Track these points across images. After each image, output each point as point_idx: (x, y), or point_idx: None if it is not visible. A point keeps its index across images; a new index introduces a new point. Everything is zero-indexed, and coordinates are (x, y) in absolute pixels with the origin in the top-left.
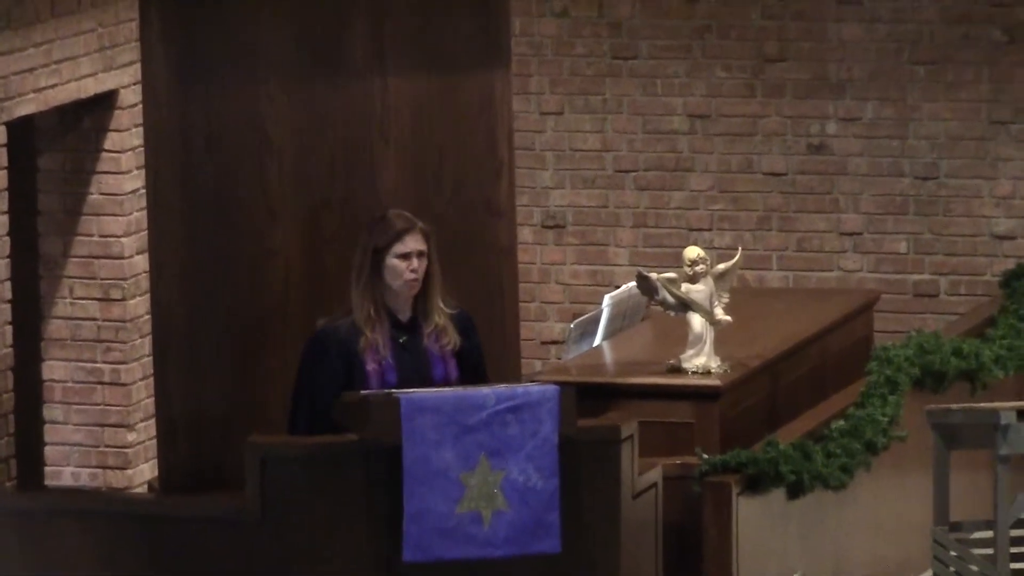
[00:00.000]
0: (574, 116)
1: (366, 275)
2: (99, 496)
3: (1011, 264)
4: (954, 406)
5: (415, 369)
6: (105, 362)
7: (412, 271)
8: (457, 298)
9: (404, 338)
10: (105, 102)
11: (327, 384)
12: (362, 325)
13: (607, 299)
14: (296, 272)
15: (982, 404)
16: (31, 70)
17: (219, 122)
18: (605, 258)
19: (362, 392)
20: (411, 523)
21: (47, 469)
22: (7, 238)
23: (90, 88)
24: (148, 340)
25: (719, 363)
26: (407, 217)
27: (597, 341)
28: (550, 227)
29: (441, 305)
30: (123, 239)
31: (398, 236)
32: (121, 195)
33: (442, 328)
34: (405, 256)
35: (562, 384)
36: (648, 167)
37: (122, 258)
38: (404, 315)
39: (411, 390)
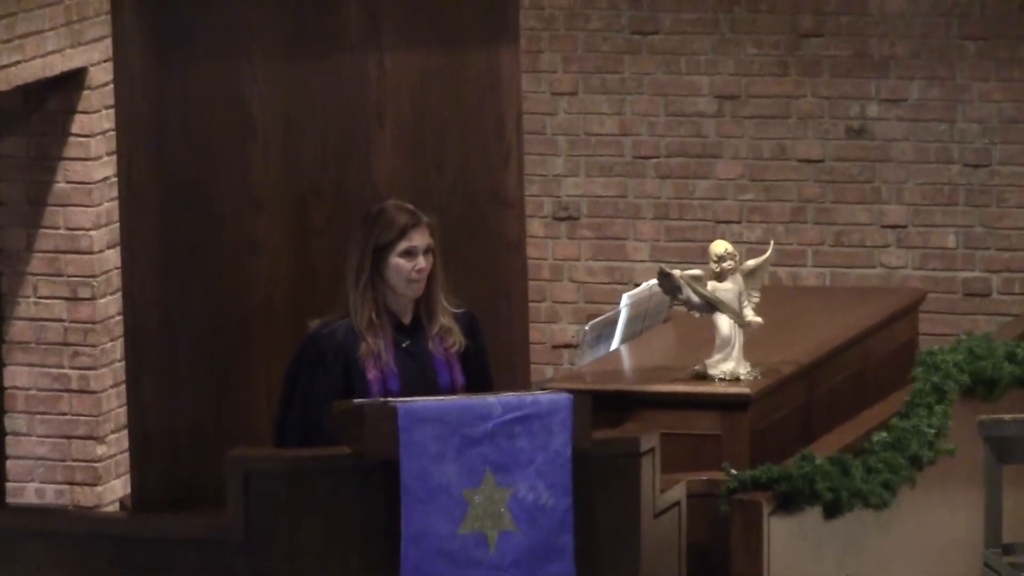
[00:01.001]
0: (589, 97)
1: (366, 276)
2: (66, 515)
3: None
4: (1007, 416)
5: (420, 376)
6: (73, 368)
7: (418, 271)
8: (459, 298)
9: (407, 342)
10: (72, 81)
11: (323, 393)
12: (362, 331)
13: (625, 298)
14: (283, 268)
15: None
16: None
17: (198, 103)
18: (623, 253)
19: (356, 401)
20: (410, 545)
21: (9, 485)
22: None
23: (56, 66)
24: (120, 343)
25: (749, 369)
26: (410, 210)
27: (614, 345)
28: (563, 219)
29: (445, 304)
30: (92, 232)
31: (402, 232)
32: (90, 184)
33: (447, 329)
34: (410, 254)
35: (575, 392)
36: (671, 153)
37: (91, 253)
38: (407, 317)
39: (410, 399)
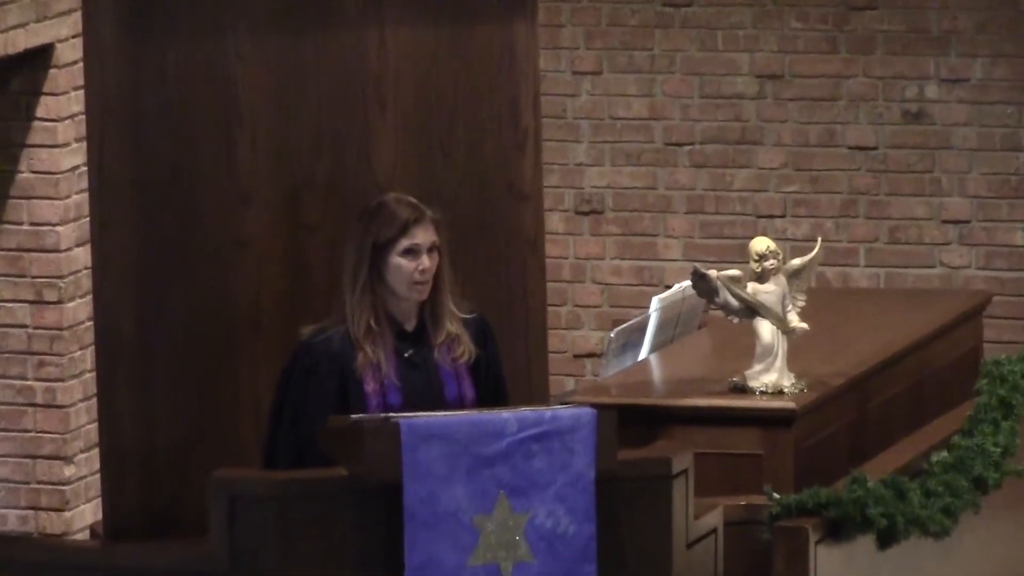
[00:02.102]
0: (615, 77)
1: (364, 278)
2: (30, 544)
3: None
4: None
5: (424, 389)
6: (38, 379)
7: (422, 271)
8: (469, 301)
9: (410, 351)
10: (38, 60)
11: (317, 409)
12: (360, 339)
13: (655, 302)
14: (272, 268)
15: None
16: None
17: (178, 84)
18: (653, 251)
19: (353, 416)
20: None
21: None
22: None
23: (19, 42)
24: (90, 352)
25: (793, 381)
26: (412, 204)
27: (643, 354)
28: (585, 213)
29: (453, 309)
30: (59, 228)
31: (403, 229)
32: (57, 174)
33: (455, 337)
34: (412, 253)
35: (599, 407)
36: (706, 139)
37: (58, 251)
38: (410, 323)
39: (414, 414)
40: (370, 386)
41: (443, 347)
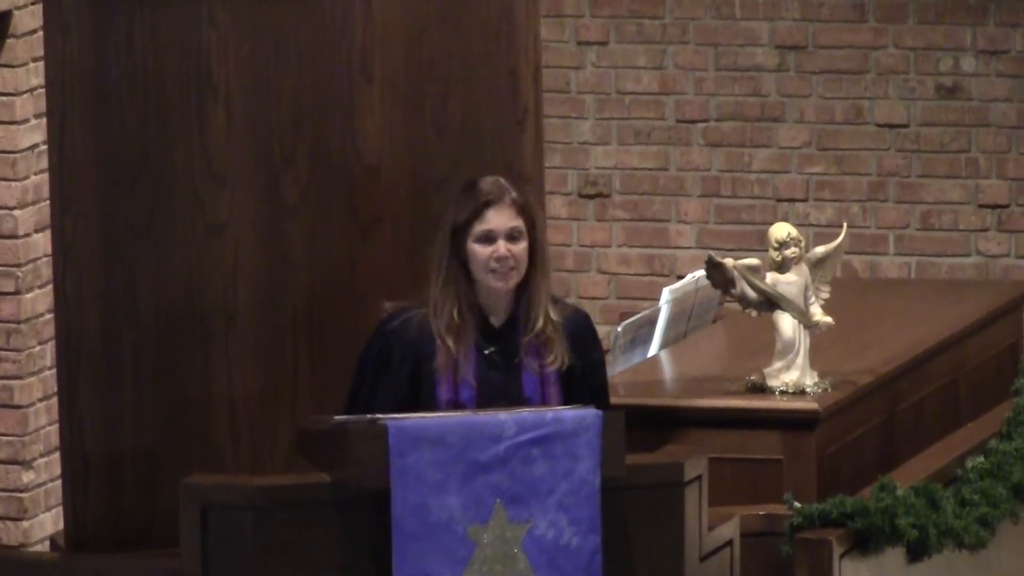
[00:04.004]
0: (622, 47)
1: (446, 264)
2: None
3: None
4: None
5: (502, 391)
6: None
7: (498, 259)
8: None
9: (491, 348)
10: None
11: (386, 402)
12: (442, 331)
13: (667, 293)
14: (249, 255)
15: None
16: None
17: (146, 55)
18: (664, 238)
19: (337, 418)
20: None
21: None
22: None
23: None
24: (50, 347)
25: (816, 380)
26: (497, 184)
27: (653, 350)
28: (590, 196)
29: (550, 308)
30: (17, 212)
31: (476, 212)
32: (15, 153)
33: (546, 340)
34: (487, 239)
35: (606, 408)
36: (722, 116)
37: (15, 237)
38: (498, 318)
39: (402, 415)
40: (443, 381)
41: (531, 349)
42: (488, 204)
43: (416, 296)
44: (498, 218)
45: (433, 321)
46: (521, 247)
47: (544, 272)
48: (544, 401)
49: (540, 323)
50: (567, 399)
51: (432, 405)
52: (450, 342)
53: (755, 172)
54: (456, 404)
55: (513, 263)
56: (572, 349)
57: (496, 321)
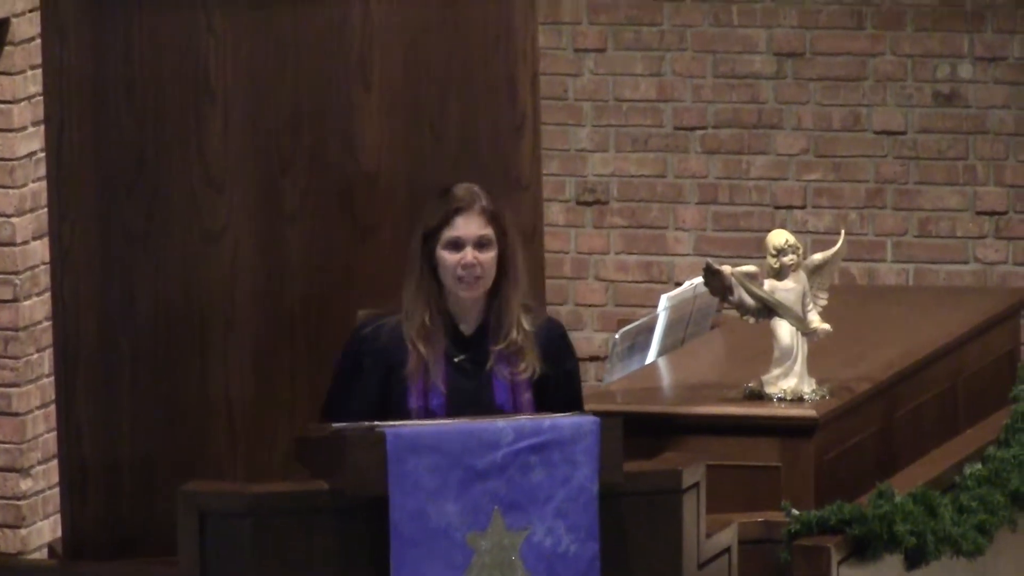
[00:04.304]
0: (620, 54)
1: (417, 270)
2: None
3: None
4: None
5: (472, 399)
6: None
7: (464, 266)
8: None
9: (461, 356)
10: None
11: (358, 408)
12: (412, 337)
13: (664, 301)
14: (247, 262)
15: None
16: None
17: (143, 62)
18: (662, 245)
19: (334, 425)
20: None
21: None
22: None
23: None
24: (48, 354)
25: (814, 387)
26: (470, 191)
27: (651, 357)
28: (588, 203)
29: (521, 318)
30: (15, 219)
31: (446, 218)
32: (12, 160)
33: (517, 349)
34: (456, 245)
35: (604, 415)
36: (720, 123)
37: (13, 245)
38: (469, 325)
39: (400, 422)
40: (413, 388)
41: (502, 357)
42: (458, 211)
43: (391, 303)
44: (467, 225)
45: (405, 326)
46: (489, 256)
47: (515, 281)
48: (516, 409)
49: (512, 333)
50: (540, 408)
51: (403, 412)
52: (421, 347)
53: (753, 179)
54: (426, 411)
55: (480, 271)
56: (544, 359)
57: (467, 329)
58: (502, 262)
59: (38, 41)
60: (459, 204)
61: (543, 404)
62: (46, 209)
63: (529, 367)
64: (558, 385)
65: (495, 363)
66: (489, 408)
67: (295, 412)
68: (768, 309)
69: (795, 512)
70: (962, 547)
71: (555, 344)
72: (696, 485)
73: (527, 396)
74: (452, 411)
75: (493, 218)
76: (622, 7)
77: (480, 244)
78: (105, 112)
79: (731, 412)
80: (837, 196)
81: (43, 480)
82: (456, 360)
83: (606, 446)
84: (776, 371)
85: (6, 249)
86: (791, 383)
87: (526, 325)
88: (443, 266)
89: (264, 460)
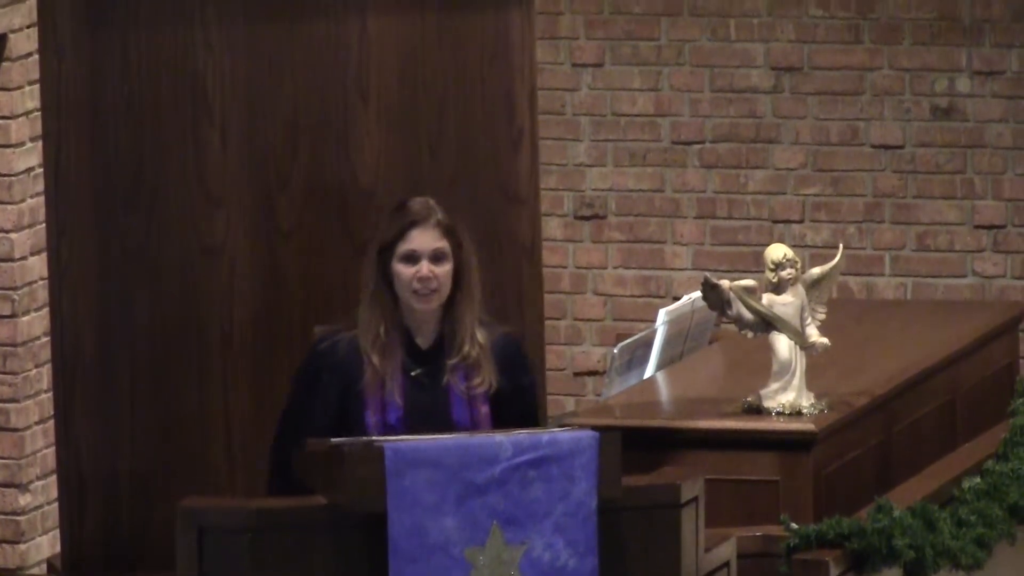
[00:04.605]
0: (618, 69)
1: (373, 283)
2: None
3: None
4: None
5: (429, 413)
6: None
7: (420, 280)
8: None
9: (418, 370)
10: None
11: (316, 423)
12: (368, 350)
13: (663, 315)
14: (245, 278)
15: None
16: None
17: (141, 78)
18: (660, 260)
19: (333, 440)
20: None
21: None
22: None
23: None
24: (47, 370)
25: (813, 401)
26: (425, 205)
27: (649, 371)
28: (586, 218)
29: (476, 332)
30: (13, 235)
31: (402, 231)
32: (10, 176)
33: (473, 363)
34: (411, 258)
35: (602, 429)
36: (718, 138)
37: (11, 260)
38: (425, 339)
39: (400, 437)
40: (370, 402)
41: (457, 371)
42: (413, 224)
43: (347, 318)
44: (422, 238)
45: (361, 340)
46: (444, 269)
47: (470, 294)
48: (473, 423)
49: (466, 347)
50: (497, 422)
51: (361, 427)
52: (376, 360)
53: (751, 193)
54: (384, 426)
55: (435, 284)
56: (500, 372)
57: (423, 343)
58: (457, 275)
59: (36, 56)
60: (415, 217)
61: (500, 418)
62: (44, 225)
63: (485, 381)
64: (512, 399)
65: (451, 377)
66: (447, 422)
67: None
68: (766, 323)
69: (794, 526)
70: (961, 561)
71: (510, 358)
72: (695, 499)
73: (484, 410)
74: (410, 425)
75: (449, 231)
76: (620, 22)
77: (435, 257)
78: (103, 128)
79: (730, 426)
80: (835, 210)
81: (42, 495)
82: (413, 374)
83: (605, 460)
84: (774, 385)
85: (4, 265)
86: (789, 397)
87: (480, 339)
88: (399, 279)
89: (262, 474)
